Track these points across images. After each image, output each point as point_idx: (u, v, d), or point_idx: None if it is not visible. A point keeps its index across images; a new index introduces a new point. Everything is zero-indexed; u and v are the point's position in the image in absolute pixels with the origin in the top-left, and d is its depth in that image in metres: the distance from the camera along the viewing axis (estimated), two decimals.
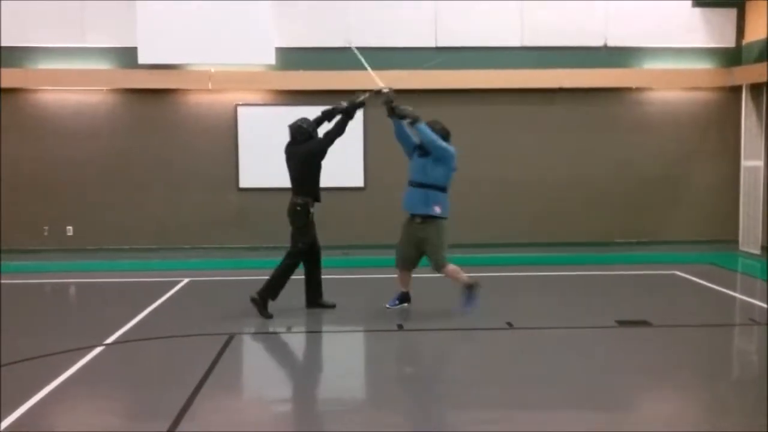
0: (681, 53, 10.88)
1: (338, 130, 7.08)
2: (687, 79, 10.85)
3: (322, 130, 7.17)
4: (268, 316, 6.94)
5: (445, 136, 6.95)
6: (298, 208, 6.98)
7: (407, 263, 7.13)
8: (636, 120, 10.99)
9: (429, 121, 6.99)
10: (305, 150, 7.02)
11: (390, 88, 7.05)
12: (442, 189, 6.91)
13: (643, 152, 10.97)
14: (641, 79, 10.86)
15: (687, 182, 11.09)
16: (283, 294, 7.00)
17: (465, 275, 7.05)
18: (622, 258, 10.40)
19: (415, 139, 7.03)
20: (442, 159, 6.83)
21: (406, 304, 7.28)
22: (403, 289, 7.29)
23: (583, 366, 5.60)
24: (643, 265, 9.89)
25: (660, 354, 5.94)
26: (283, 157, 7.14)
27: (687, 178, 11.09)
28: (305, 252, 7.14)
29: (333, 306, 7.34)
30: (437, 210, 6.84)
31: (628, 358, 5.80)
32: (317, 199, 7.12)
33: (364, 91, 7.26)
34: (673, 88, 10.94)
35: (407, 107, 6.97)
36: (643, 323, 6.79)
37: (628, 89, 10.92)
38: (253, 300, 6.97)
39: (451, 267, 6.96)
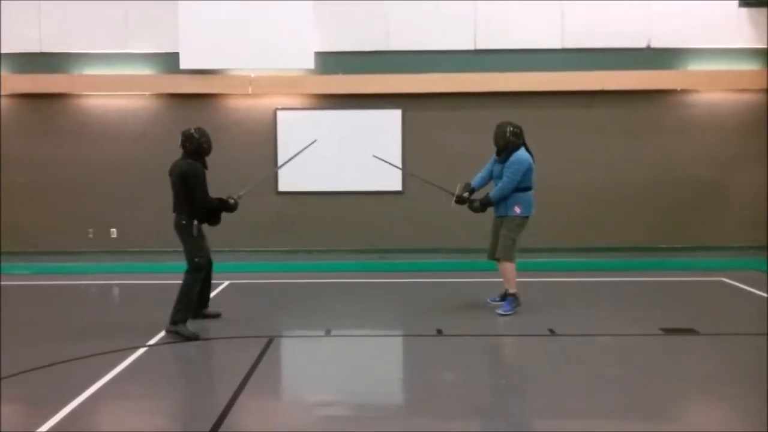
0: (727, 54, 10.63)
1: (207, 208, 6.92)
2: (733, 81, 10.59)
3: None
4: (195, 337, 6.41)
5: (517, 134, 7.13)
6: (184, 222, 6.73)
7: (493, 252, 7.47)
8: (680, 123, 10.77)
9: (498, 125, 7.15)
10: (182, 168, 6.88)
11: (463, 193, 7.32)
12: (523, 189, 7.19)
13: (688, 156, 10.75)
14: (686, 81, 10.64)
15: (733, 186, 10.83)
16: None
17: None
18: (667, 264, 10.17)
19: (491, 168, 7.41)
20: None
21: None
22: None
23: (627, 374, 5.49)
24: (688, 271, 9.65)
25: (707, 363, 5.80)
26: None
27: (733, 181, 10.82)
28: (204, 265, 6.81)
29: (219, 315, 7.03)
30: (517, 210, 7.20)
31: (674, 367, 5.67)
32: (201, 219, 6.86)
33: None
34: (718, 89, 10.69)
35: (476, 202, 7.32)
36: (690, 331, 6.64)
37: (672, 91, 10.71)
38: (169, 333, 6.46)
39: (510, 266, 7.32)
